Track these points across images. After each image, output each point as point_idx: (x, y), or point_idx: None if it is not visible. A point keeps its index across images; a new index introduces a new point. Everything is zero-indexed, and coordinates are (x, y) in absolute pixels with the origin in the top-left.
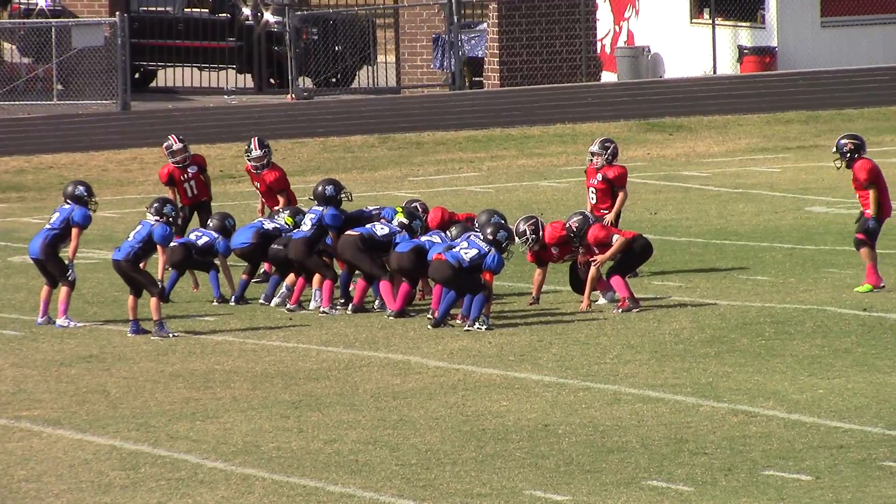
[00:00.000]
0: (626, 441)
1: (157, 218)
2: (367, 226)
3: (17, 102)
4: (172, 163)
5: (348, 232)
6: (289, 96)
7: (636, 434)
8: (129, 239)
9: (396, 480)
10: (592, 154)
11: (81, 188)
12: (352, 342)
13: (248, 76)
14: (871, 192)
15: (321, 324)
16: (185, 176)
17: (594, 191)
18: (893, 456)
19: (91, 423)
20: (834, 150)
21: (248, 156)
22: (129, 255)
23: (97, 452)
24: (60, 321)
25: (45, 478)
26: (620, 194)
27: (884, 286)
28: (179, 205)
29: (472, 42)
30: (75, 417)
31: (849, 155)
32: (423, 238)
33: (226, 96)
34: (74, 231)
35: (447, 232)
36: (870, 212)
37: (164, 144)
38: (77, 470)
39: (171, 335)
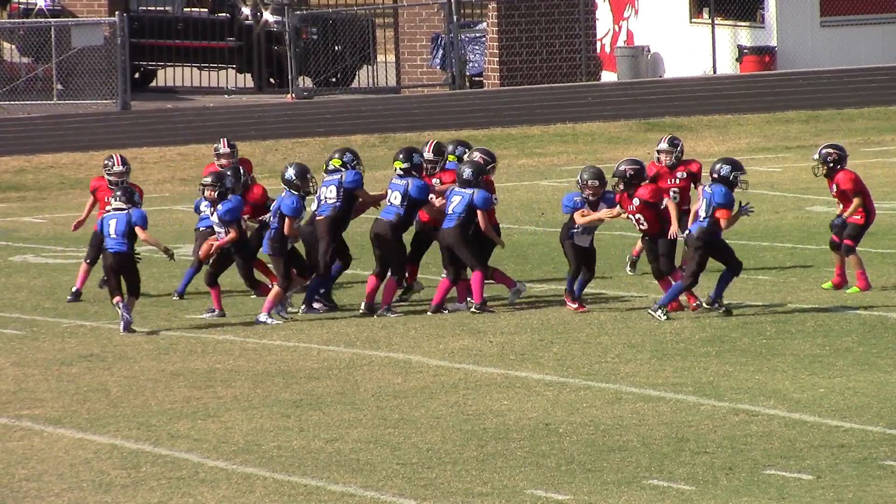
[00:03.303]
0: (627, 440)
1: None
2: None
3: (16, 102)
4: (218, 165)
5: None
6: (289, 96)
7: (637, 433)
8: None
9: (397, 479)
10: (660, 152)
11: (291, 172)
12: (353, 341)
13: (248, 76)
14: (857, 200)
15: (322, 323)
16: None
17: (675, 191)
18: (894, 455)
19: (92, 422)
20: (816, 157)
21: (108, 171)
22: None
23: (98, 451)
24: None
25: (45, 477)
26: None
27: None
28: None
29: (473, 50)
30: (76, 416)
31: (831, 164)
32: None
33: (226, 95)
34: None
35: None
36: (857, 218)
37: (214, 146)
38: (78, 469)
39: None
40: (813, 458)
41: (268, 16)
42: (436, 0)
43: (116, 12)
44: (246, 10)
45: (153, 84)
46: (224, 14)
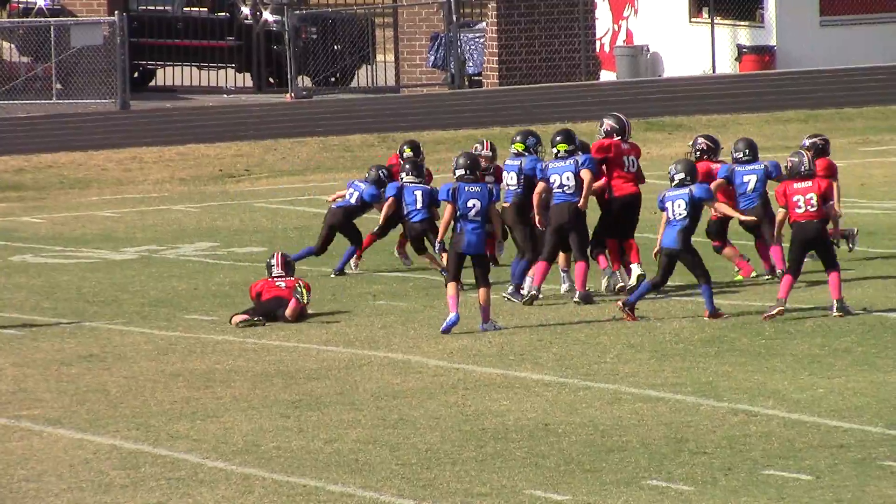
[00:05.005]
0: (627, 440)
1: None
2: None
3: (16, 101)
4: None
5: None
6: (288, 95)
7: (636, 433)
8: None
9: (396, 480)
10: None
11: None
12: (352, 341)
13: (247, 75)
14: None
15: (321, 323)
16: None
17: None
18: (894, 455)
19: (91, 423)
20: (690, 144)
21: None
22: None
23: (97, 452)
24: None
25: (45, 477)
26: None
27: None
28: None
29: (471, 51)
30: (75, 417)
31: (698, 154)
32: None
33: (225, 95)
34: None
35: None
36: (714, 213)
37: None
38: (77, 469)
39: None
40: (812, 459)
41: (267, 15)
42: (435, 0)
43: (116, 12)
44: (245, 10)
45: (152, 83)
46: (224, 14)
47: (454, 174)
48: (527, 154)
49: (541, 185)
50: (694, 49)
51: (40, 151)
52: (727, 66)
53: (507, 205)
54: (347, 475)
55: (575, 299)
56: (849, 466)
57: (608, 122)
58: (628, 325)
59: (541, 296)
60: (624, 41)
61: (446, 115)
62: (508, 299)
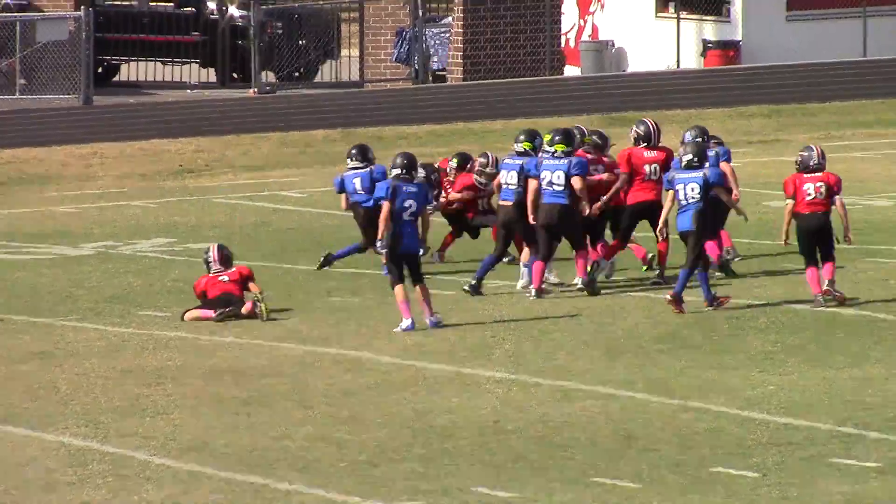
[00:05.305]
0: (576, 438)
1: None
2: None
3: None
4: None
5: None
6: (251, 91)
7: (586, 431)
8: None
9: (344, 477)
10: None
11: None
12: (304, 338)
13: (212, 70)
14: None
15: (274, 320)
16: None
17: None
18: (842, 452)
19: (40, 420)
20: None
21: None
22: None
23: (45, 449)
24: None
25: None
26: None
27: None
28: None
29: (436, 46)
30: (25, 414)
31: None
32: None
33: (188, 91)
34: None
35: None
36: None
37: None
38: (24, 467)
39: None
40: (760, 456)
41: (233, 10)
42: None
43: (82, 7)
44: (211, 5)
45: (116, 79)
46: (190, 9)
47: (390, 173)
48: (533, 154)
49: (533, 183)
50: (659, 44)
51: (1, 147)
52: (692, 61)
53: (508, 203)
54: (295, 473)
55: (578, 286)
56: (797, 463)
57: (635, 130)
58: (581, 322)
59: (553, 289)
60: (589, 36)
61: (410, 110)
62: (467, 291)
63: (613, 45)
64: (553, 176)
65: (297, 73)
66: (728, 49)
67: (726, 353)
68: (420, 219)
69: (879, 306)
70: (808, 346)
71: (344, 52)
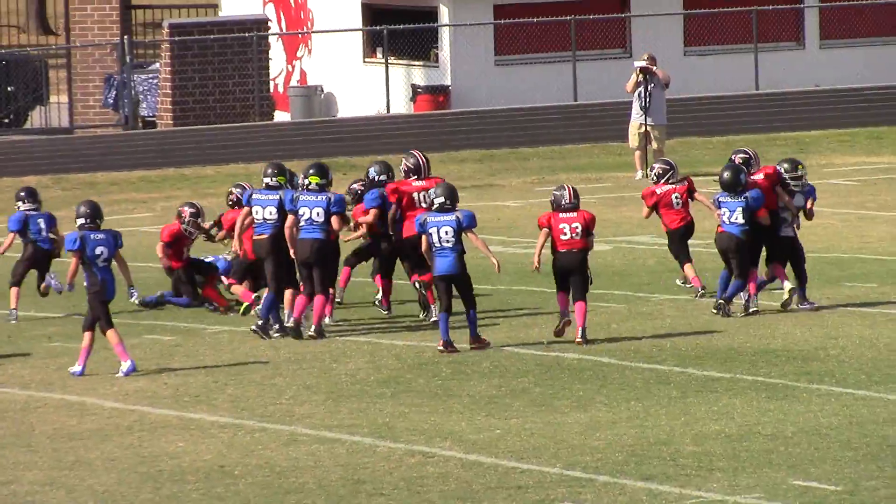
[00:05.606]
0: (303, 482)
1: None
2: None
3: None
4: None
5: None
6: None
7: (313, 475)
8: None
9: None
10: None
11: None
12: (27, 383)
13: None
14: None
15: None
16: None
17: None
18: (571, 496)
19: None
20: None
21: None
22: None
23: None
24: None
25: None
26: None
27: None
28: None
29: (145, 92)
30: None
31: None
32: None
33: None
34: None
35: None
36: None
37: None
38: None
39: None
40: (489, 500)
41: None
42: (108, 41)
43: None
44: None
45: None
46: None
47: (76, 223)
48: (289, 188)
49: (290, 219)
50: (369, 89)
51: None
52: (402, 106)
53: (264, 237)
54: None
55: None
56: None
57: (405, 162)
58: (303, 366)
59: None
60: (298, 81)
61: (121, 155)
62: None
63: (322, 90)
64: (312, 213)
65: (6, 120)
66: (438, 94)
67: (450, 397)
68: (118, 261)
69: (602, 350)
70: (531, 389)
71: (53, 98)
